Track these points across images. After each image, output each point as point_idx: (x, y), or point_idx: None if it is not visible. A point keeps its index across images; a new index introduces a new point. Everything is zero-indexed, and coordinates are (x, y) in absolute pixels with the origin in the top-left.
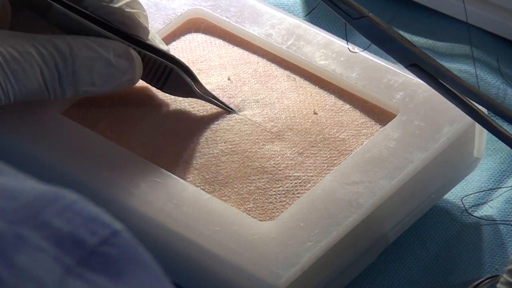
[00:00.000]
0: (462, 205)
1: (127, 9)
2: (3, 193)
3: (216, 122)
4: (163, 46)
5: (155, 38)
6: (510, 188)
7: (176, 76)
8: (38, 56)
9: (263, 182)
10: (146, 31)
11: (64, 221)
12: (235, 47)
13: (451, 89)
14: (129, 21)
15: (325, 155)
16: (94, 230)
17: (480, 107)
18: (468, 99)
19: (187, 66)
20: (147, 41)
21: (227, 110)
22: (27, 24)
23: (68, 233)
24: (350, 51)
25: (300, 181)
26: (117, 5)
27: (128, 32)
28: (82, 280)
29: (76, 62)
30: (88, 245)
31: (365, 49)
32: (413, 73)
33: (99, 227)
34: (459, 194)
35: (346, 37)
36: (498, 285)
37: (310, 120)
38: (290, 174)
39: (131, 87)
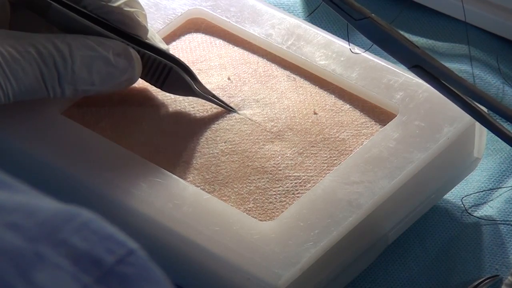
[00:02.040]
0: (462, 205)
1: (126, 8)
2: (21, 211)
3: (216, 122)
4: (162, 45)
5: (155, 37)
6: (510, 188)
7: (175, 74)
8: (38, 55)
9: (263, 182)
10: (145, 30)
11: (81, 239)
12: (235, 47)
13: (455, 90)
14: (128, 20)
15: (325, 155)
16: (111, 248)
17: (484, 108)
18: (472, 100)
19: (187, 65)
20: (146, 40)
21: (227, 108)
22: (26, 23)
23: (85, 252)
24: (352, 52)
25: (300, 181)
26: (116, 4)
27: (127, 31)
28: None
29: (76, 61)
30: (105, 263)
31: (367, 50)
32: (416, 74)
33: (115, 246)
34: (459, 194)
35: (348, 38)
36: (503, 287)
37: (310, 120)
38: (290, 174)
39: (131, 86)
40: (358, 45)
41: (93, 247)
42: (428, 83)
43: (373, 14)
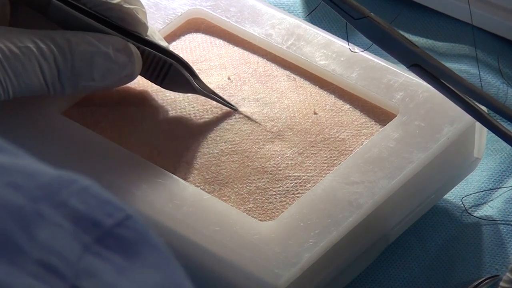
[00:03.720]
0: (462, 205)
1: (126, 5)
2: (22, 172)
3: (216, 122)
4: (162, 43)
5: (155, 35)
6: (510, 188)
7: (175, 71)
8: (38, 51)
9: (263, 182)
10: (145, 27)
11: (80, 202)
12: (235, 47)
13: (453, 89)
14: (127, 17)
15: (325, 155)
16: (110, 212)
17: (482, 107)
18: (471, 99)
19: (187, 62)
20: (146, 37)
21: (227, 106)
22: (26, 20)
23: (85, 214)
24: (352, 51)
25: (300, 181)
26: (115, 1)
27: (127, 28)
28: (100, 258)
29: (76, 57)
30: (104, 225)
31: (366, 50)
32: (415, 73)
33: (114, 210)
34: (459, 194)
35: (347, 37)
36: (502, 283)
37: (310, 120)
38: (290, 174)
39: (131, 86)
40: (358, 45)
41: (92, 210)
42: (427, 82)
43: (372, 13)
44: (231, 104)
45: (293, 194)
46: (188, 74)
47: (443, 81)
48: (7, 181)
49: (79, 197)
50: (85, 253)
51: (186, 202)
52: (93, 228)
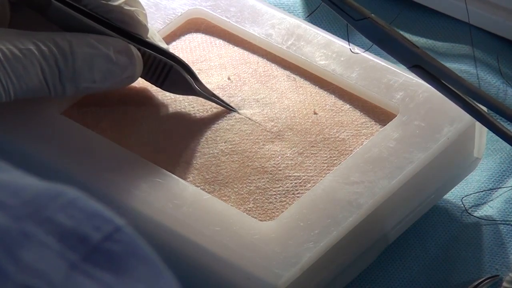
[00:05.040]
0: (462, 205)
1: (126, 7)
2: (6, 189)
3: (216, 122)
4: (162, 44)
5: (155, 36)
6: (510, 188)
7: (175, 73)
8: (39, 53)
9: (263, 182)
10: (146, 29)
11: (67, 217)
12: (235, 47)
13: (454, 90)
14: (128, 19)
15: (325, 155)
16: (97, 225)
17: (484, 108)
18: (472, 100)
19: (187, 64)
20: (147, 39)
21: (227, 108)
22: (26, 22)
23: (72, 229)
24: (352, 52)
25: (300, 181)
26: (116, 3)
27: (127, 30)
28: (87, 276)
29: (77, 59)
30: (92, 241)
31: (367, 50)
32: (415, 74)
33: (101, 223)
34: (459, 194)
35: (348, 38)
36: (504, 283)
37: (310, 120)
38: (290, 174)
39: (131, 86)
40: (358, 45)
41: (79, 224)
42: (428, 83)
43: (372, 14)
44: (231, 106)
45: (293, 194)
46: (189, 76)
47: (444, 82)
48: None
49: (65, 211)
50: (72, 272)
51: (186, 202)
52: (81, 244)
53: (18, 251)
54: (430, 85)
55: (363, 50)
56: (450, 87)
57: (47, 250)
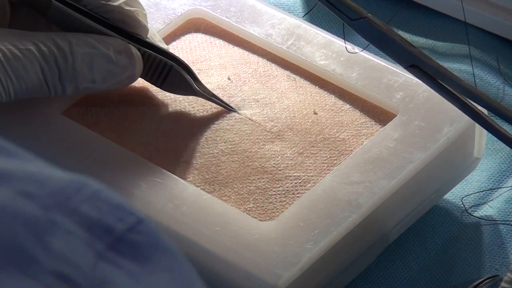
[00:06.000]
0: (462, 205)
1: (126, 7)
2: (34, 180)
3: (216, 122)
4: (162, 45)
5: (155, 36)
6: (510, 188)
7: (175, 73)
8: (39, 53)
9: (263, 182)
10: (146, 29)
11: (92, 208)
12: (235, 47)
13: (451, 90)
14: (128, 19)
15: (325, 155)
16: (121, 217)
17: (480, 107)
18: (468, 99)
19: (187, 64)
20: (147, 39)
21: (227, 108)
22: (26, 22)
23: (97, 220)
24: (348, 51)
25: (300, 181)
26: (116, 3)
27: (127, 30)
28: (114, 265)
29: (76, 59)
30: (116, 231)
31: (364, 49)
32: (412, 74)
33: (125, 215)
34: (459, 194)
35: (344, 37)
36: (503, 283)
37: (310, 120)
38: (290, 174)
39: (131, 86)
40: (357, 45)
41: (104, 215)
42: (425, 83)
43: (369, 14)
44: (231, 107)
45: (293, 194)
46: (189, 77)
47: (441, 82)
48: (18, 189)
49: (90, 202)
50: (99, 261)
51: (186, 202)
52: (106, 234)
53: (48, 239)
54: (427, 85)
55: (361, 49)
56: (447, 87)
57: (76, 239)
